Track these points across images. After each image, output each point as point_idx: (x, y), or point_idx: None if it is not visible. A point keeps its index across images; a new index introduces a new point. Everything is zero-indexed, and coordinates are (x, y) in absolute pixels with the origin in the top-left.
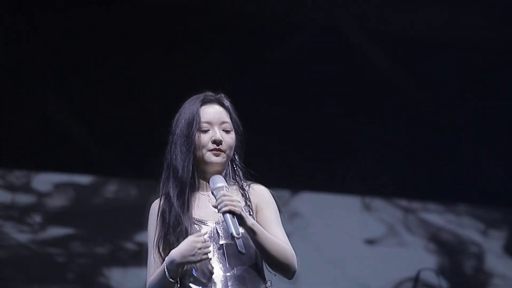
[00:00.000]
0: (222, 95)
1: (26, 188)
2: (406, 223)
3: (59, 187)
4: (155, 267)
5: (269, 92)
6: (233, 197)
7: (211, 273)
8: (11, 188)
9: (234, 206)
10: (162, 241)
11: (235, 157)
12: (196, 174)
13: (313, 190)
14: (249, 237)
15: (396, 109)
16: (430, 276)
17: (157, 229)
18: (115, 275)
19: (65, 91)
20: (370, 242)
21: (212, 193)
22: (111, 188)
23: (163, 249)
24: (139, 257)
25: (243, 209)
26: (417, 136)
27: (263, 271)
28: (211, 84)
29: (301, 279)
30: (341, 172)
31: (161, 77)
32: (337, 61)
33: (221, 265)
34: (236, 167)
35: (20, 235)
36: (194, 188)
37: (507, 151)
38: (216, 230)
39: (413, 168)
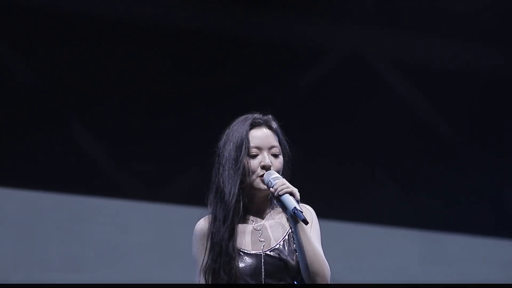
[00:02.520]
0: (270, 116)
1: None
2: (425, 254)
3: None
4: None
5: (293, 119)
6: (286, 183)
7: None
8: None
9: (294, 190)
10: (210, 267)
11: None
12: (242, 200)
13: (333, 218)
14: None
15: (417, 137)
16: None
17: (206, 252)
18: None
19: (90, 115)
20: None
21: (268, 183)
22: None
23: (208, 274)
24: None
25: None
26: (438, 165)
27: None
28: (235, 114)
29: None
30: (362, 200)
31: (186, 105)
32: (361, 89)
33: None
34: None
35: None
36: (239, 214)
37: None
38: (262, 262)
39: (433, 198)
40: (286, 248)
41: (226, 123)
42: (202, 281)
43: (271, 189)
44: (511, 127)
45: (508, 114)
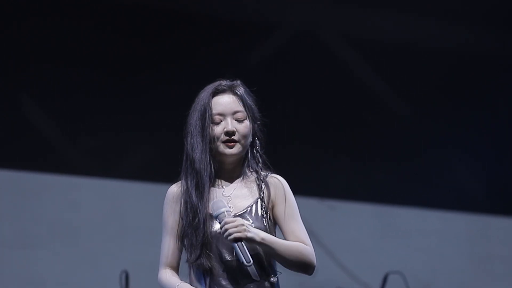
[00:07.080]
0: (237, 82)
1: None
2: (377, 227)
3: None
4: (168, 253)
5: None
6: (236, 221)
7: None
8: None
9: (239, 231)
10: (183, 230)
11: (256, 143)
12: (213, 166)
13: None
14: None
15: (370, 112)
16: (397, 279)
17: (181, 217)
18: None
19: (40, 92)
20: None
21: (216, 218)
22: None
23: (181, 238)
24: None
25: (248, 229)
26: (391, 139)
27: (272, 265)
28: (187, 87)
29: None
30: (312, 175)
31: (140, 82)
32: (313, 65)
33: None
34: (257, 153)
35: None
36: (210, 180)
37: (477, 156)
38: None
39: (385, 172)
40: (253, 214)
41: (177, 99)
42: (170, 244)
43: (221, 229)
44: (462, 101)
45: (458, 87)
